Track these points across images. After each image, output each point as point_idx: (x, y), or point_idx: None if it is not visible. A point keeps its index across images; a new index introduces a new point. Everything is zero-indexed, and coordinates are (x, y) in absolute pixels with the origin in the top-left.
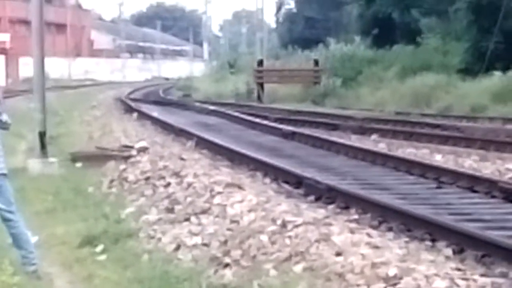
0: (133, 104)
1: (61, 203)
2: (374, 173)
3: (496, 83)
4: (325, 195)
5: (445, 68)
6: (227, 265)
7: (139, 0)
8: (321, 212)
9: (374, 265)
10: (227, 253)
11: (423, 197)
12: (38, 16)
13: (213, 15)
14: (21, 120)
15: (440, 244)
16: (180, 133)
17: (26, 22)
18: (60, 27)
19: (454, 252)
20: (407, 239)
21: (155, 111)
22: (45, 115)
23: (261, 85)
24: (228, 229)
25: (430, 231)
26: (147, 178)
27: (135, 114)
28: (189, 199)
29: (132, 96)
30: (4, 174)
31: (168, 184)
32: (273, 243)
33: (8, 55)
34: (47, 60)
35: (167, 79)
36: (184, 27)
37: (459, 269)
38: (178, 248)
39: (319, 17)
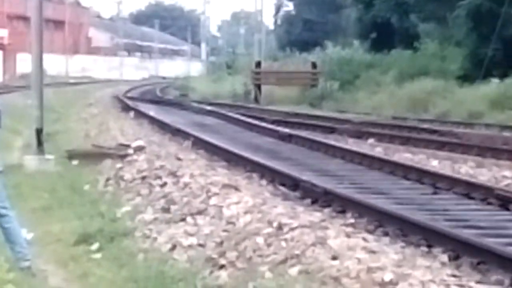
0: (130, 102)
1: (57, 200)
2: (370, 177)
3: (494, 90)
4: (321, 198)
5: (443, 73)
6: (222, 266)
7: None
8: (317, 216)
9: (370, 270)
10: (222, 254)
11: (419, 203)
12: (38, 12)
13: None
14: (18, 117)
15: (436, 250)
16: (177, 132)
17: (24, 18)
18: (59, 24)
19: (450, 259)
20: (403, 244)
21: (152, 110)
22: (42, 112)
23: (258, 87)
24: (224, 230)
25: (426, 237)
26: (144, 177)
27: (132, 113)
28: (185, 199)
29: (129, 94)
30: (0, 171)
31: (165, 184)
32: (269, 245)
33: (6, 50)
34: (45, 57)
35: (164, 78)
36: (182, 27)
37: (454, 276)
38: (173, 248)
39: (317, 20)
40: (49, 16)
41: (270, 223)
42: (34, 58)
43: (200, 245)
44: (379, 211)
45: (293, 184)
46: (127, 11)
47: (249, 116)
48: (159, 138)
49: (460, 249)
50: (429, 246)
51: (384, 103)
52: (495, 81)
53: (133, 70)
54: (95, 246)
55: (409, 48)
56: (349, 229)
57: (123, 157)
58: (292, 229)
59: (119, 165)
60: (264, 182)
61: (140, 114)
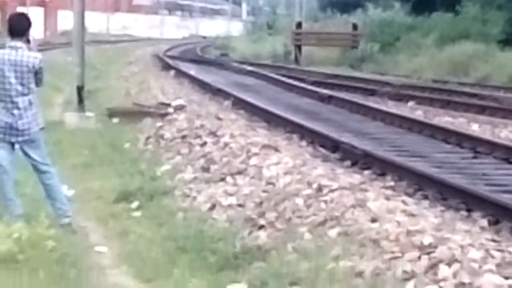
0: (170, 61)
1: (97, 158)
2: (410, 140)
3: None
4: (361, 160)
5: (484, 37)
6: (261, 226)
7: None
8: (357, 178)
9: (409, 233)
10: (262, 215)
11: (459, 167)
12: None
13: None
14: (59, 74)
15: (476, 214)
16: (217, 92)
17: None
18: None
19: (490, 223)
20: (442, 208)
21: (192, 70)
22: (83, 69)
23: (299, 48)
24: (264, 191)
25: (466, 201)
26: (184, 137)
27: (172, 72)
28: (225, 159)
29: (169, 53)
30: (41, 128)
31: (205, 143)
32: (308, 206)
33: (47, 7)
34: (86, 14)
35: (204, 37)
36: None
37: (494, 240)
38: (213, 207)
39: None
40: None
41: (309, 184)
42: (75, 15)
43: (240, 205)
44: (419, 174)
45: (333, 145)
46: None
47: (289, 77)
48: (199, 97)
49: (499, 213)
50: (468, 210)
51: (424, 66)
52: None
53: (173, 29)
54: (135, 204)
55: (451, 11)
56: (389, 192)
57: (163, 115)
58: (332, 191)
59: (159, 123)
60: (303, 143)
61: (180, 73)
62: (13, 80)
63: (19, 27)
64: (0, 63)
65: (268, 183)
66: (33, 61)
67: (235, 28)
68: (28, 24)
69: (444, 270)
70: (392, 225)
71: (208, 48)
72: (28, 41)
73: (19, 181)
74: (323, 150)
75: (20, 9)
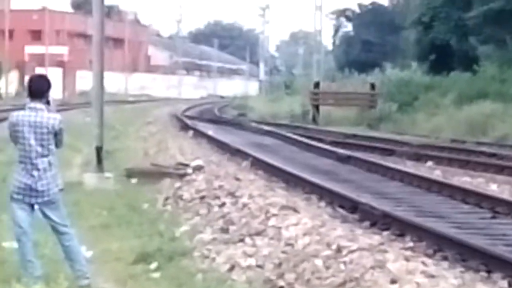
0: (189, 121)
1: (116, 218)
2: (429, 200)
3: None
4: (380, 221)
5: (502, 96)
6: None
7: (197, 18)
8: (376, 238)
9: None
10: (281, 276)
11: (478, 227)
12: (99, 30)
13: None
14: (77, 134)
15: (496, 275)
16: (236, 152)
17: (84, 36)
18: (118, 41)
19: (510, 285)
20: (462, 269)
21: (210, 130)
22: (102, 130)
23: (316, 107)
24: (283, 252)
25: (486, 261)
26: (202, 197)
27: (190, 132)
28: (244, 219)
29: (187, 113)
30: (61, 189)
31: (223, 204)
32: (327, 267)
33: (66, 68)
34: (104, 75)
35: (222, 97)
36: (241, 46)
37: None
38: (232, 268)
39: (376, 41)
40: (109, 34)
41: (328, 245)
42: (95, 76)
43: (259, 266)
44: (438, 235)
45: (352, 206)
46: (186, 30)
47: (307, 137)
48: (218, 157)
49: None
50: (488, 272)
51: (442, 125)
52: None
53: (191, 89)
54: (154, 265)
55: (468, 70)
56: (408, 253)
57: (182, 176)
58: (351, 251)
59: (177, 184)
60: (322, 203)
61: (198, 133)
62: (33, 142)
63: (39, 89)
64: (20, 124)
65: (287, 244)
66: (53, 122)
67: (253, 87)
68: (48, 86)
69: None
70: (411, 287)
71: (226, 108)
72: (48, 103)
73: (38, 242)
74: (342, 211)
75: (38, 70)
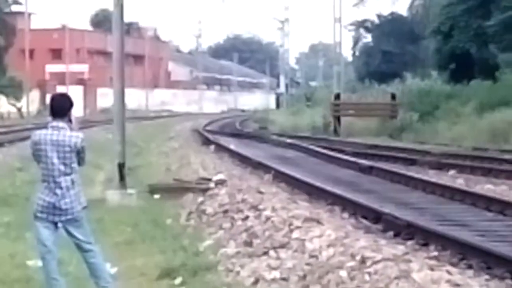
0: (210, 136)
1: (140, 234)
2: (452, 209)
3: None
4: (404, 231)
5: None
6: None
7: (216, 32)
8: (400, 248)
9: None
10: None
11: (502, 235)
12: (119, 48)
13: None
14: (99, 151)
15: None
16: (258, 166)
17: (104, 53)
18: (138, 58)
19: None
20: (487, 277)
21: (232, 144)
22: (124, 146)
23: (338, 119)
24: (307, 264)
25: (511, 269)
26: (225, 211)
27: (212, 146)
28: (267, 232)
29: (209, 128)
30: (84, 207)
31: (246, 218)
32: (352, 279)
33: (87, 85)
34: (125, 91)
35: (243, 111)
36: (260, 59)
37: None
38: (256, 282)
39: (396, 51)
40: (129, 51)
41: (353, 256)
42: (116, 93)
43: (283, 279)
44: (462, 243)
45: (375, 216)
46: (206, 45)
47: (329, 148)
48: (240, 171)
49: None
50: None
51: (464, 134)
52: None
53: (212, 103)
54: (178, 280)
55: (489, 78)
56: (433, 262)
57: (204, 191)
58: (375, 262)
59: (200, 199)
60: (345, 215)
61: (220, 148)
62: (55, 160)
63: (61, 108)
64: (43, 143)
65: (311, 256)
66: (75, 140)
67: (273, 101)
68: (70, 104)
69: None
70: None
71: (247, 122)
72: (70, 121)
73: (62, 260)
74: (365, 222)
75: (59, 88)
